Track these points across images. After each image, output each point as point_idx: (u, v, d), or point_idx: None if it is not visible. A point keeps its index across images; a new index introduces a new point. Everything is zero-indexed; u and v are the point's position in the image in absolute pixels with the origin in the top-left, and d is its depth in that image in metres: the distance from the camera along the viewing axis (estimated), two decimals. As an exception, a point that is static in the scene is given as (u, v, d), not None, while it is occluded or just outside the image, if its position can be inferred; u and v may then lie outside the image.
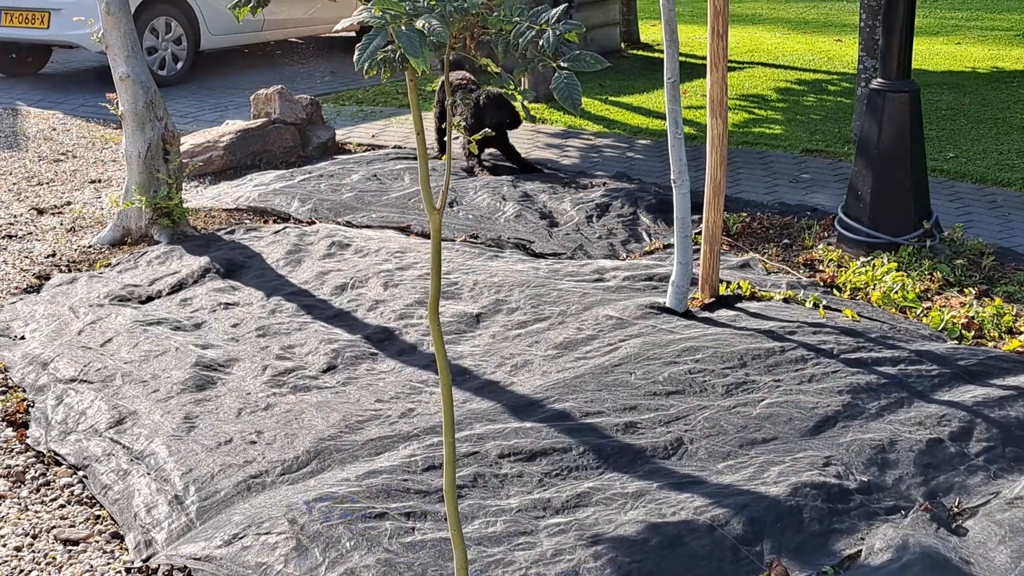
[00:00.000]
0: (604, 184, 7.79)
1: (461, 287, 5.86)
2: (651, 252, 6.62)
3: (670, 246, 6.40)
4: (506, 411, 4.56)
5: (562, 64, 2.55)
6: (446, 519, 3.65)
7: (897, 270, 5.81)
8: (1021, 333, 5.19)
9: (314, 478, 4.09)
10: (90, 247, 6.86)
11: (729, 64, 5.50)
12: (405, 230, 7.03)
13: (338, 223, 7.18)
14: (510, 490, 3.98)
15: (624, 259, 6.50)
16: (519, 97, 2.70)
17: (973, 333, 5.22)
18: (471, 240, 6.78)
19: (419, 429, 4.42)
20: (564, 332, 5.28)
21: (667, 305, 5.46)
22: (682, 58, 5.65)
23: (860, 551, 3.57)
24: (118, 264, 6.48)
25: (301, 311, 5.69)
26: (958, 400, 4.48)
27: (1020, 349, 4.99)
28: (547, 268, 6.22)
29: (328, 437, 4.38)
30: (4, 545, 3.85)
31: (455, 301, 5.70)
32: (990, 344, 5.14)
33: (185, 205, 7.10)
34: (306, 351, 5.21)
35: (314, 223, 7.19)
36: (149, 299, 5.97)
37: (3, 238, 7.04)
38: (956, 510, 3.80)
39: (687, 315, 5.41)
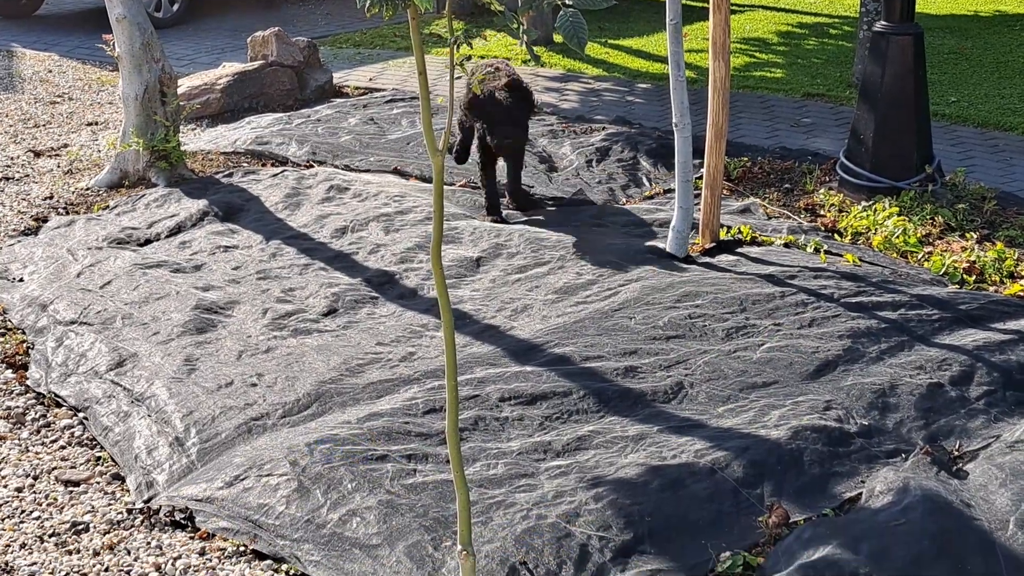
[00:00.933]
0: (604, 128, 7.74)
1: (461, 232, 5.83)
2: (651, 197, 6.59)
3: (670, 191, 6.38)
4: (506, 355, 4.55)
5: (567, 1, 2.52)
6: (447, 461, 3.66)
7: (899, 214, 5.79)
8: (1022, 277, 5.18)
9: (315, 420, 4.10)
10: (88, 189, 6.82)
11: (730, 6, 5.45)
12: (404, 174, 6.99)
13: (336, 167, 7.15)
14: (511, 433, 3.99)
15: (624, 204, 6.47)
16: (523, 37, 2.66)
17: (974, 277, 5.21)
18: (471, 185, 6.75)
19: (420, 372, 4.42)
20: (564, 277, 5.27)
21: (667, 250, 5.45)
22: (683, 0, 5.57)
23: (861, 494, 3.57)
24: (116, 207, 6.45)
25: (301, 254, 5.67)
26: (959, 344, 4.48)
27: (1021, 293, 4.98)
28: (547, 213, 6.20)
29: (329, 380, 4.38)
30: (5, 486, 3.86)
31: (455, 245, 5.68)
32: (991, 288, 5.13)
33: (182, 148, 7.06)
34: (307, 294, 5.20)
35: (312, 166, 7.15)
36: (148, 242, 5.94)
37: (0, 180, 7.00)
38: (957, 453, 3.80)
39: (687, 260, 5.39)
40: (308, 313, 5.01)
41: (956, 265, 5.26)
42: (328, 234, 5.92)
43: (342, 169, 7.08)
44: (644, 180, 6.84)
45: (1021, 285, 5.05)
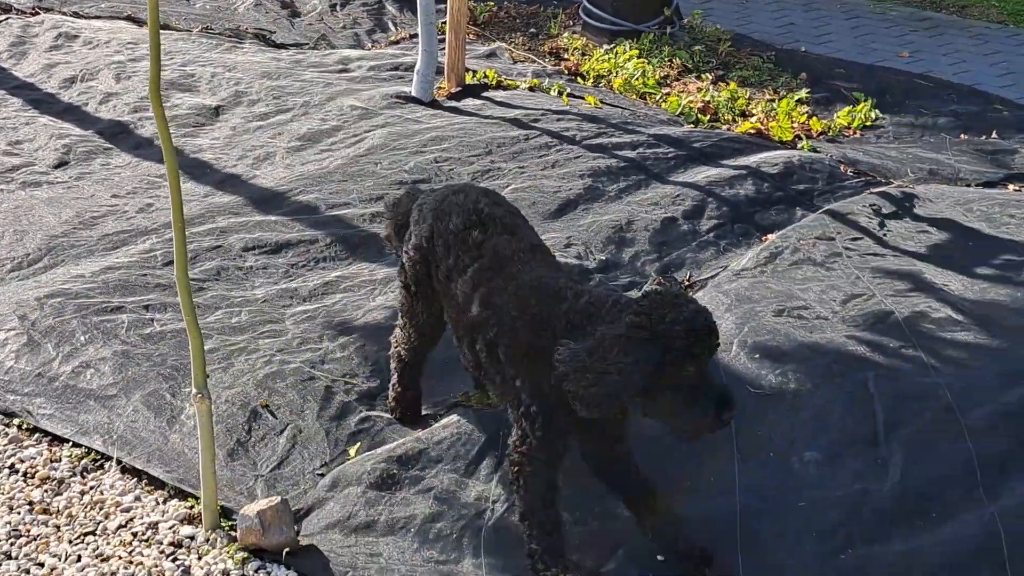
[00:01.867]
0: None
1: (199, 79, 5.63)
2: (397, 42, 6.51)
3: (417, 36, 6.30)
4: (249, 204, 4.46)
5: None
6: (186, 310, 3.58)
7: (638, 57, 5.90)
8: (753, 116, 5.38)
9: (46, 274, 3.94)
10: None
11: None
12: (138, 21, 6.66)
13: (65, 14, 6.74)
14: (255, 281, 3.93)
15: (369, 49, 6.37)
16: None
17: (709, 117, 5.38)
18: (208, 31, 6.49)
19: (158, 224, 4.29)
20: (308, 124, 5.17)
21: (413, 95, 5.40)
22: None
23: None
24: None
25: (28, 105, 5.38)
26: (692, 181, 4.64)
27: (751, 131, 5.18)
28: (289, 59, 6.04)
29: (61, 233, 4.20)
30: None
31: (192, 94, 5.48)
32: (724, 127, 5.31)
33: None
34: (35, 147, 4.95)
35: (38, 14, 6.73)
36: None
37: None
38: (687, 283, 3.97)
39: (433, 104, 5.37)
40: (37, 166, 4.77)
41: (692, 105, 5.42)
42: (57, 84, 5.62)
43: (71, 16, 6.68)
44: (390, 25, 6.73)
45: (751, 123, 5.25)
